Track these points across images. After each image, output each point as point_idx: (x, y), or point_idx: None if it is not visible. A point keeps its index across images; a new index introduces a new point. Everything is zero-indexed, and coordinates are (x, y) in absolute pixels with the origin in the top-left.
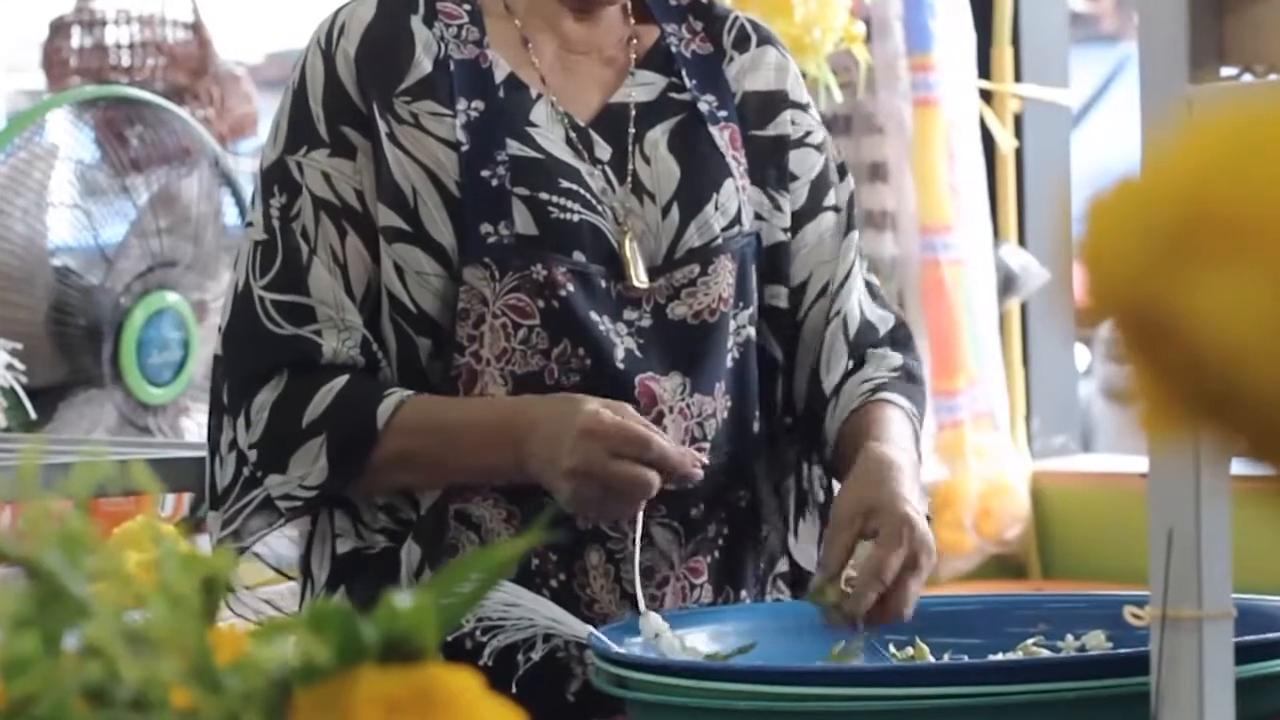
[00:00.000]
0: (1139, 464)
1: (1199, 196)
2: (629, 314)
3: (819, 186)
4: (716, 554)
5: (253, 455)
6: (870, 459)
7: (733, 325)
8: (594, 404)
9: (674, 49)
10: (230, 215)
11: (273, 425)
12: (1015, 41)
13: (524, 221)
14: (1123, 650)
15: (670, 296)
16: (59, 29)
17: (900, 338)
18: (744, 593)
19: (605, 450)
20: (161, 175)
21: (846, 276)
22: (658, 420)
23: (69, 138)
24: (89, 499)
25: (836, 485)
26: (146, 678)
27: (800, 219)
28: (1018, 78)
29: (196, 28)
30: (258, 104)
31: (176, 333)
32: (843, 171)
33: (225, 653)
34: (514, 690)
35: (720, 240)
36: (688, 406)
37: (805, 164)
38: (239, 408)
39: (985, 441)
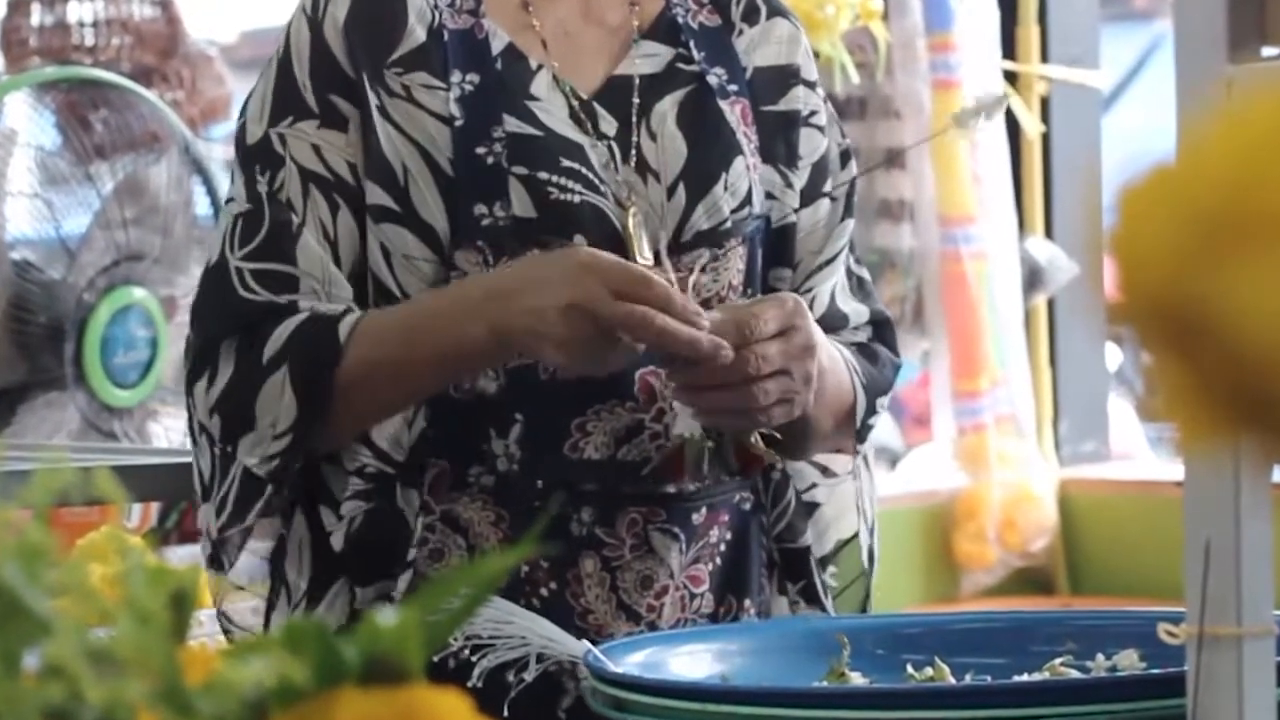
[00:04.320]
0: (1174, 472)
1: (1238, 184)
2: None
3: (819, 171)
4: (719, 560)
5: (215, 424)
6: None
7: None
8: (587, 247)
9: (680, 19)
10: (201, 205)
11: (236, 372)
12: (1042, 19)
13: (521, 203)
14: (1157, 670)
15: (678, 283)
16: (17, 6)
17: (883, 335)
18: (748, 601)
19: (606, 286)
20: (128, 162)
21: (828, 261)
22: (658, 417)
23: (28, 122)
24: (50, 508)
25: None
26: (112, 699)
27: (801, 202)
28: (1044, 58)
29: (165, 5)
30: (231, 86)
31: (144, 331)
32: (846, 157)
33: (196, 673)
34: (505, 713)
35: (730, 223)
36: None
37: (810, 145)
38: (201, 372)
39: (1009, 447)
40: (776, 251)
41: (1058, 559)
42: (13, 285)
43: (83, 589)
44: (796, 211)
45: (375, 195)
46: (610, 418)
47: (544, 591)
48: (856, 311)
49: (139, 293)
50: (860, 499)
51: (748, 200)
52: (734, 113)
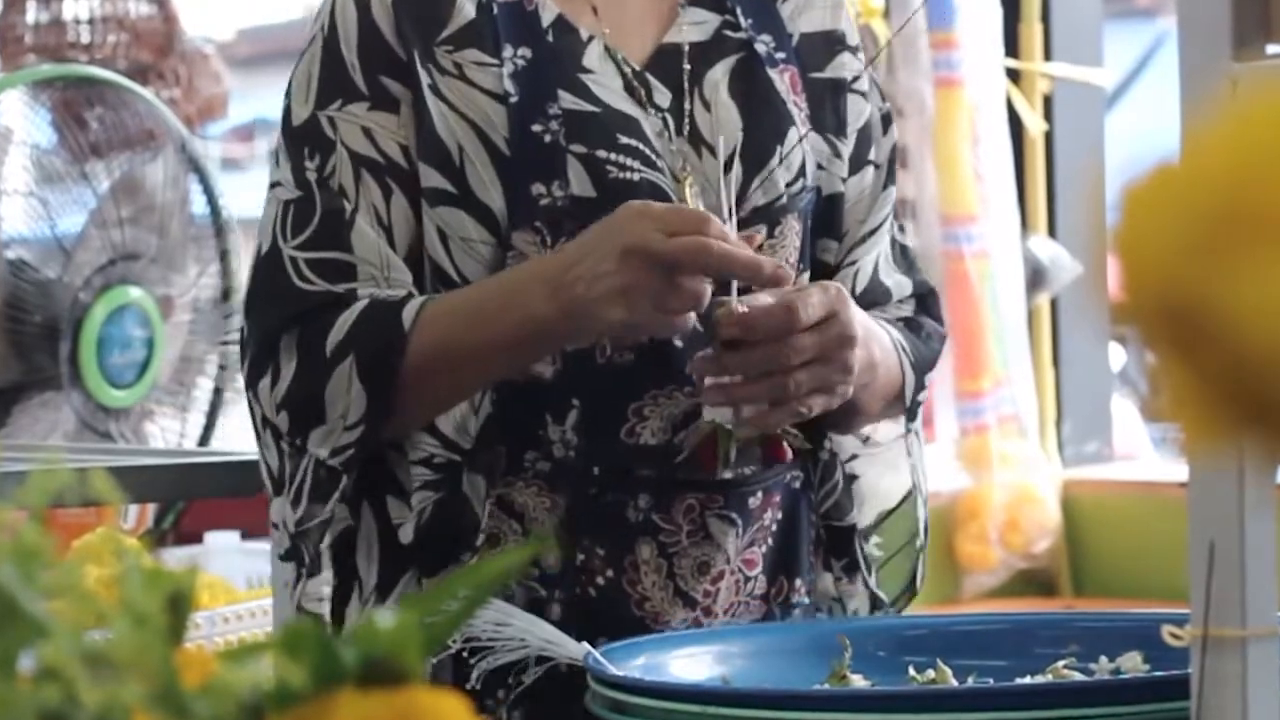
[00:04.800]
0: (1178, 472)
1: (1243, 183)
2: None
3: (864, 138)
4: (770, 542)
5: (283, 420)
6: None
7: None
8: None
9: None
10: (198, 204)
11: (300, 366)
12: (1045, 17)
13: (580, 182)
14: (1160, 673)
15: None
16: (13, 3)
17: (927, 304)
18: (799, 581)
19: (660, 228)
20: (124, 161)
21: (874, 231)
22: None
23: (24, 120)
24: (45, 510)
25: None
26: (108, 702)
27: (849, 170)
28: (1047, 56)
29: (162, 3)
30: (228, 84)
31: (140, 331)
32: (887, 122)
33: (193, 675)
34: (505, 714)
35: (785, 198)
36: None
37: (855, 111)
38: (264, 368)
39: (1012, 448)
40: (824, 222)
41: (1060, 560)
42: (8, 284)
43: (78, 591)
44: (844, 181)
45: (430, 178)
46: (668, 403)
47: (600, 580)
48: (899, 284)
49: (135, 292)
50: (915, 473)
51: (801, 173)
52: (783, 81)
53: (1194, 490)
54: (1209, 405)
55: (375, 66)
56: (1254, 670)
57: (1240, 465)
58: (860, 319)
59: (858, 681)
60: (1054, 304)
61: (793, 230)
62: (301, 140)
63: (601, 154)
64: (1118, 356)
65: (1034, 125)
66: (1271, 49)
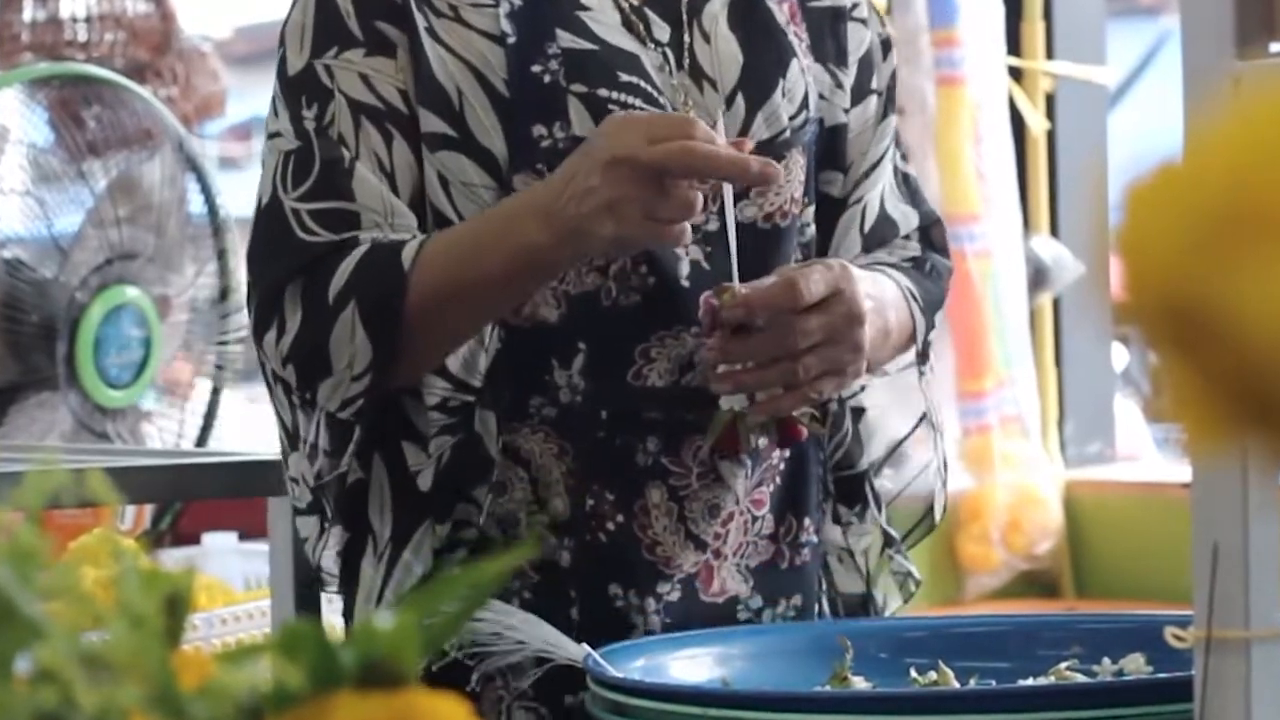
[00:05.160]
0: (1181, 473)
1: (1246, 182)
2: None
3: (865, 66)
4: (779, 480)
5: (290, 374)
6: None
7: (799, 224)
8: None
9: None
10: (195, 203)
11: (305, 317)
12: (1047, 15)
13: (581, 122)
14: (1164, 675)
15: (739, 195)
16: (9, 1)
17: (934, 237)
18: (807, 520)
19: (644, 136)
20: (121, 160)
21: (877, 163)
22: None
23: (20, 119)
24: (42, 511)
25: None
26: (105, 704)
27: (850, 101)
28: (1050, 54)
29: (159, 0)
30: (225, 82)
31: (137, 330)
32: (886, 48)
33: (190, 677)
34: (504, 716)
35: (789, 132)
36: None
37: (856, 39)
38: (270, 321)
39: (1014, 448)
40: (828, 154)
41: (1063, 561)
42: (4, 284)
43: (75, 592)
44: (846, 112)
45: (430, 123)
46: (674, 344)
47: (610, 525)
48: (906, 215)
49: (132, 292)
50: (932, 412)
51: (804, 105)
52: (783, 11)
53: (1197, 491)
54: (1212, 405)
55: (370, 11)
56: (1257, 672)
57: (1244, 466)
58: (868, 289)
59: (859, 683)
60: (1056, 303)
61: (797, 164)
62: (299, 90)
63: (603, 93)
64: (1120, 356)
65: (1036, 124)
66: (1275, 47)
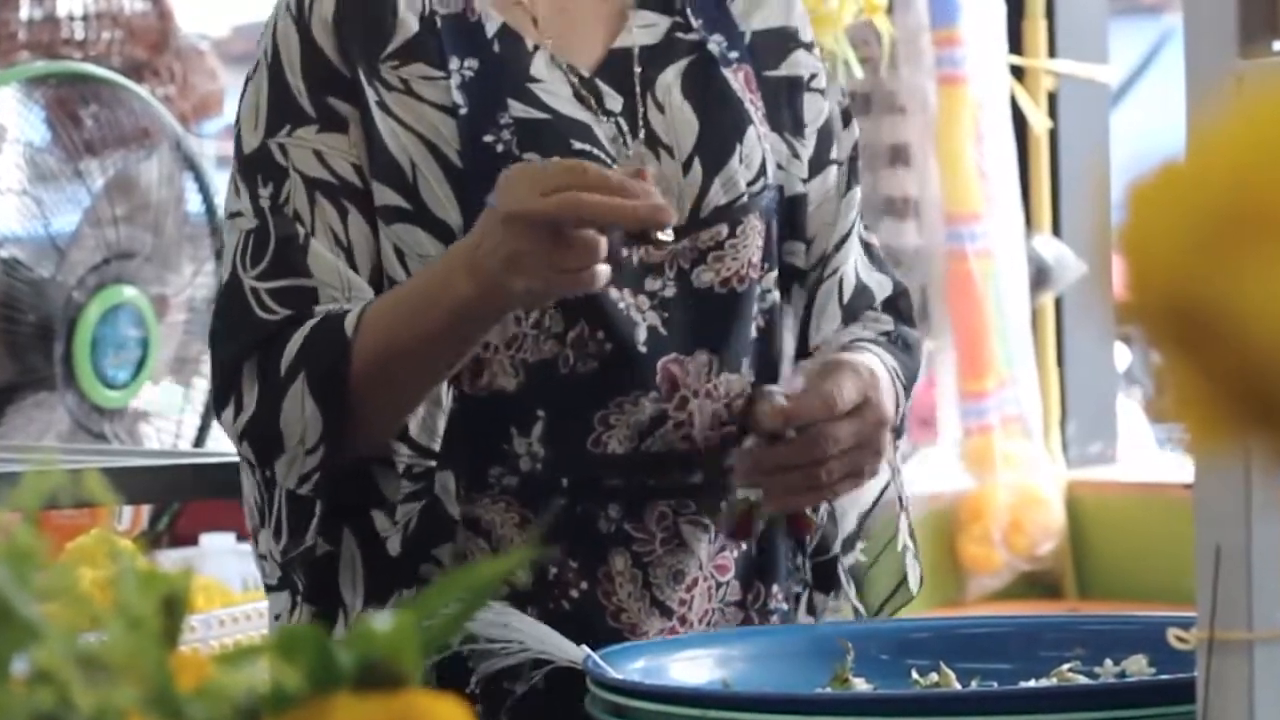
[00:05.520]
0: (1184, 474)
1: (1249, 181)
2: (651, 283)
3: (824, 137)
4: (744, 545)
5: (248, 451)
6: (822, 354)
7: (758, 290)
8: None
9: None
10: (193, 202)
11: (260, 393)
12: (1049, 13)
13: None
14: (1166, 676)
15: (696, 261)
16: (6, 0)
17: (901, 306)
18: (775, 587)
19: (535, 187)
20: (118, 159)
21: (846, 236)
22: (681, 405)
23: (17, 118)
24: (39, 511)
25: None
26: (102, 706)
27: (809, 172)
28: (1052, 53)
29: None
30: (223, 81)
31: (134, 330)
32: (847, 117)
33: (188, 679)
34: (503, 719)
35: (747, 198)
36: (715, 388)
37: (814, 110)
38: (227, 399)
39: (1016, 449)
40: (790, 225)
41: (1065, 562)
42: (1, 284)
43: (73, 593)
44: (806, 182)
45: (384, 196)
46: (633, 409)
47: (574, 593)
48: (880, 283)
49: (130, 291)
50: (899, 487)
51: (762, 171)
52: (738, 80)
53: (1200, 491)
54: (1215, 405)
55: (321, 88)
56: (1260, 674)
57: (1247, 466)
58: (885, 387)
59: (860, 685)
60: (1058, 303)
61: (754, 229)
62: (254, 169)
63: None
64: (1123, 356)
65: (1038, 123)
66: (1278, 46)
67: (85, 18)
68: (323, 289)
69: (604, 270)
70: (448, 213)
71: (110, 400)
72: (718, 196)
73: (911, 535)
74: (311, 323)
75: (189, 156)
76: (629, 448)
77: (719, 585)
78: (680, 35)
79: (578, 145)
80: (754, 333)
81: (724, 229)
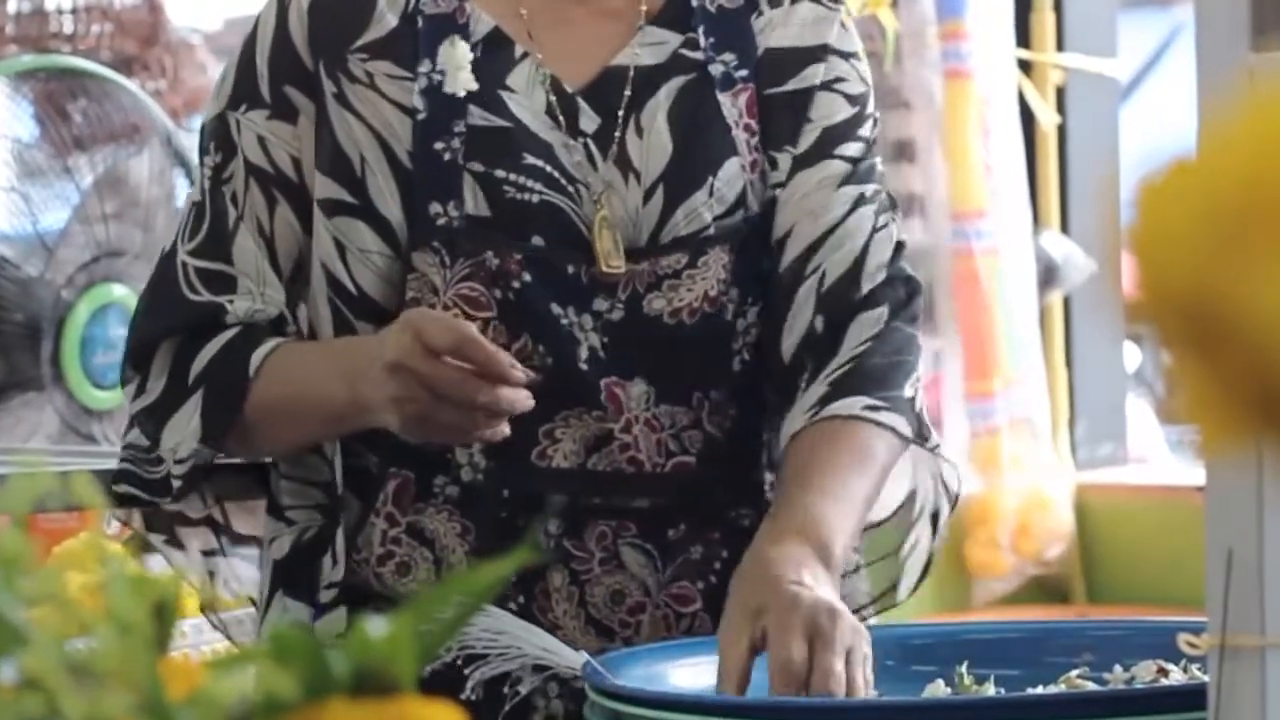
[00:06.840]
0: (1195, 476)
1: (1262, 178)
2: (599, 304)
3: (835, 132)
4: (713, 579)
5: (135, 433)
6: (757, 553)
7: (741, 325)
8: (423, 308)
9: (695, 2)
10: (184, 199)
11: (166, 387)
12: (1057, 6)
13: (475, 201)
14: (1177, 682)
15: (650, 286)
16: None
17: (911, 308)
18: None
19: (423, 343)
20: (108, 155)
21: (833, 228)
22: (627, 428)
23: (5, 113)
24: (27, 514)
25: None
26: (91, 712)
27: (800, 163)
28: (1060, 46)
29: None
30: (215, 75)
31: (124, 330)
32: (874, 129)
33: (178, 685)
34: None
35: (713, 229)
36: (654, 417)
37: (828, 108)
38: (135, 372)
39: (1024, 450)
40: (769, 227)
41: (1074, 567)
42: None
43: (61, 598)
44: (778, 188)
45: (328, 189)
46: (579, 424)
47: (512, 606)
48: (891, 293)
49: (119, 290)
50: (922, 487)
51: (739, 204)
52: (736, 104)
53: (1211, 494)
54: (1227, 406)
55: (281, 76)
56: (1273, 679)
57: (1259, 469)
58: (786, 546)
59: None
60: (1067, 302)
61: (718, 261)
62: (210, 135)
63: (500, 173)
64: (1132, 356)
65: (1046, 118)
66: None
67: (74, 11)
68: (241, 279)
69: (491, 425)
70: (391, 210)
71: (100, 401)
72: (679, 226)
73: (917, 545)
74: (228, 337)
75: (180, 152)
76: (575, 463)
77: (680, 616)
78: (686, 54)
79: (529, 159)
80: (736, 365)
81: (684, 258)
